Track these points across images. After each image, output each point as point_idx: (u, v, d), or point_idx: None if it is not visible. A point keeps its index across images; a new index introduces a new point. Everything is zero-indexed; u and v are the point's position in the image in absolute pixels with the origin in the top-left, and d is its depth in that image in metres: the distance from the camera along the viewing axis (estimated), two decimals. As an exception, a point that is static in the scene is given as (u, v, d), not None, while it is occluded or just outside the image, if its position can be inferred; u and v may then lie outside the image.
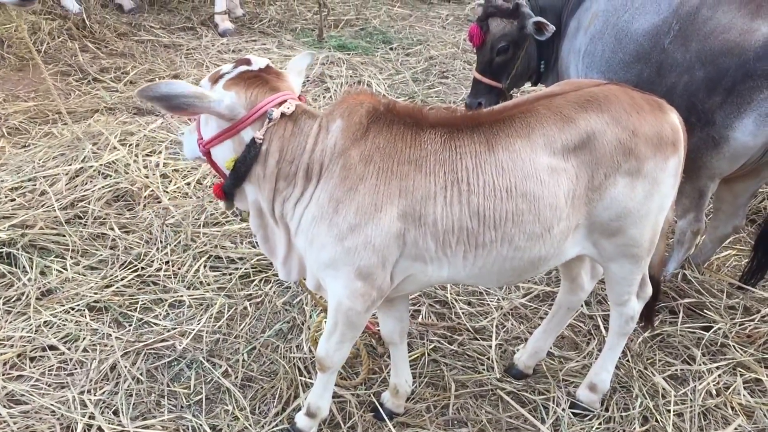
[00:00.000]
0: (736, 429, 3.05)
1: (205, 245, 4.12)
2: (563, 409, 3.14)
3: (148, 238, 4.15)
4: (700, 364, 3.41)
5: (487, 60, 4.46)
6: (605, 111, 2.60)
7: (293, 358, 3.39)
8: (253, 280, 3.92)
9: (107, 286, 3.78)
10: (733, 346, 3.49)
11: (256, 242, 3.73)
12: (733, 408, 3.17)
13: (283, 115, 2.54)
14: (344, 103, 2.59)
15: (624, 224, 2.72)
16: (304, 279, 2.84)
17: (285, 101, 2.54)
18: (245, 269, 3.97)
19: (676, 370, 3.40)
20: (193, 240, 4.16)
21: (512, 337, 3.62)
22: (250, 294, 3.82)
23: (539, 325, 3.66)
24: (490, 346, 3.52)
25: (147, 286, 3.84)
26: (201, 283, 3.86)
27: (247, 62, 2.58)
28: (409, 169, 2.50)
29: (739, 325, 3.61)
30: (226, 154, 2.59)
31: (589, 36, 4.01)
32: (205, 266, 4.00)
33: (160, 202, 4.45)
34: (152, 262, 3.97)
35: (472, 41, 4.51)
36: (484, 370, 3.40)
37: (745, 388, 3.27)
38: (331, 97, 6.34)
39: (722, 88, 3.29)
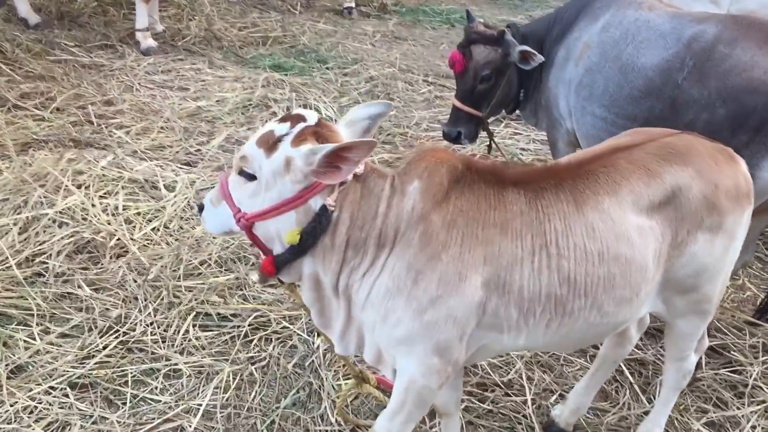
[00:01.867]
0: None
1: (190, 301, 3.69)
2: (619, 471, 2.98)
3: (125, 296, 3.67)
4: (733, 409, 3.35)
5: (469, 88, 4.27)
6: (689, 164, 2.46)
7: (318, 431, 3.05)
8: (252, 340, 3.54)
9: (88, 358, 3.29)
10: (762, 387, 3.45)
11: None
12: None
13: (354, 176, 2.24)
14: (421, 161, 2.31)
15: (699, 281, 2.59)
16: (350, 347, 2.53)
17: None
18: (241, 327, 3.58)
19: (711, 416, 3.32)
20: (176, 296, 3.72)
21: (542, 390, 3.43)
22: (253, 357, 3.43)
23: (563, 373, 3.51)
24: (524, 402, 3.31)
25: (133, 354, 3.37)
26: (195, 347, 3.44)
27: (302, 118, 2.24)
28: (495, 234, 2.26)
29: (763, 364, 3.58)
30: (285, 227, 2.24)
31: (583, 68, 3.90)
32: (194, 326, 3.57)
33: (128, 253, 3.96)
34: (135, 325, 3.50)
35: (454, 68, 4.31)
36: (523, 429, 3.19)
37: (785, 432, 3.23)
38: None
39: (749, 127, 3.24)
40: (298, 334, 3.58)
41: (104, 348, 3.35)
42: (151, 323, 3.53)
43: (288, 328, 3.61)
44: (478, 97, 4.28)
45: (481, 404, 3.30)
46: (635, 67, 3.63)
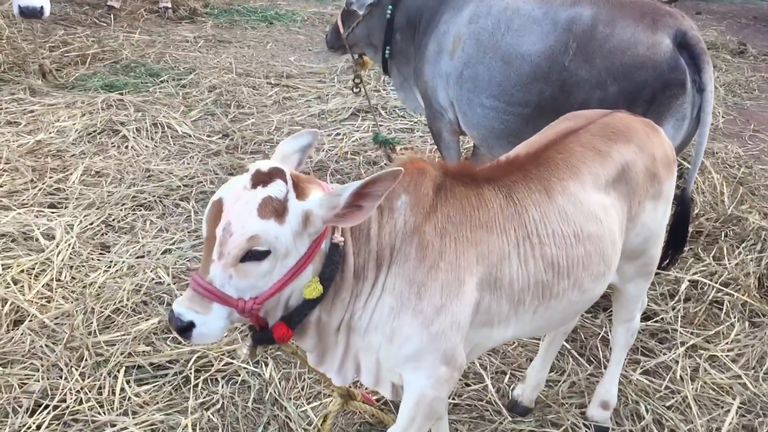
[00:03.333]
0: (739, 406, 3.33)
1: (116, 357, 3.39)
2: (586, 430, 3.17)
3: (42, 365, 3.29)
4: (660, 355, 3.66)
5: (346, 4, 4.64)
6: (631, 140, 2.64)
7: (301, 462, 2.96)
8: (197, 384, 3.32)
9: (22, 443, 2.93)
10: (678, 330, 3.81)
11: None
12: (713, 387, 3.46)
13: None
14: (405, 175, 2.27)
15: (647, 246, 2.81)
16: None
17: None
18: (182, 374, 3.35)
19: (645, 365, 3.60)
20: (99, 354, 3.40)
21: (496, 373, 3.54)
22: (205, 402, 3.23)
23: (507, 353, 3.66)
24: (485, 388, 3.41)
25: (73, 426, 3.04)
26: (139, 405, 3.17)
27: (280, 170, 2.04)
28: (482, 233, 2.31)
29: (673, 309, 3.94)
30: (302, 283, 2.11)
31: (461, 61, 4.03)
32: (129, 383, 3.29)
33: (26, 316, 3.56)
34: (64, 395, 3.16)
35: None
36: (491, 416, 3.28)
37: (711, 366, 3.59)
38: (130, 146, 5.60)
39: (642, 100, 3.52)
40: (245, 368, 3.41)
41: (38, 428, 2.99)
42: (81, 389, 3.20)
43: (232, 363, 3.43)
44: (345, 16, 4.67)
45: (445, 399, 3.35)
46: (518, 54, 3.79)
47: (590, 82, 3.60)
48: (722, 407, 3.36)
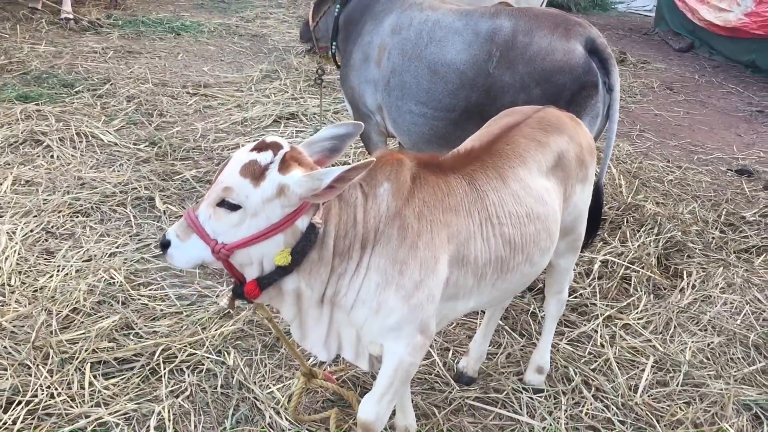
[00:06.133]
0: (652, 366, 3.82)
1: (80, 354, 3.48)
2: (530, 397, 3.55)
3: (9, 364, 3.35)
4: (581, 326, 4.12)
5: None
6: (563, 132, 3.05)
7: (274, 439, 3.17)
8: (164, 375, 3.46)
9: (0, 438, 2.99)
10: (595, 304, 4.28)
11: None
12: (629, 351, 3.94)
13: None
14: (385, 165, 2.57)
15: (576, 223, 3.24)
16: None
17: None
18: (147, 365, 3.49)
19: (569, 335, 4.05)
20: (63, 351, 3.48)
21: (440, 349, 3.87)
22: (174, 391, 3.39)
23: (447, 332, 4.00)
24: (432, 363, 3.73)
25: (47, 420, 3.13)
26: (110, 396, 3.30)
27: (279, 145, 2.38)
28: (452, 216, 2.64)
29: (590, 285, 4.42)
30: (272, 250, 2.40)
31: (387, 69, 4.33)
32: (96, 377, 3.39)
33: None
34: (36, 391, 3.23)
35: None
36: (441, 386, 3.61)
37: (626, 333, 4.07)
38: (56, 156, 5.60)
39: (563, 101, 3.94)
40: (207, 356, 3.59)
41: (14, 423, 3.06)
42: (50, 385, 3.29)
43: (195, 354, 3.60)
44: (315, 7, 4.95)
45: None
46: (443, 63, 4.13)
47: (514, 86, 4.01)
48: (638, 367, 3.83)
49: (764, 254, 5.17)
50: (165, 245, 2.41)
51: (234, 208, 2.31)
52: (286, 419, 3.24)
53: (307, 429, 3.21)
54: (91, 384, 3.34)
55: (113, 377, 3.43)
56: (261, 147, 2.36)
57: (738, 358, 3.98)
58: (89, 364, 3.45)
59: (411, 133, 4.38)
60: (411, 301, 2.54)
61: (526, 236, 2.80)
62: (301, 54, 8.85)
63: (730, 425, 3.43)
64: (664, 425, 3.43)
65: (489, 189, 2.75)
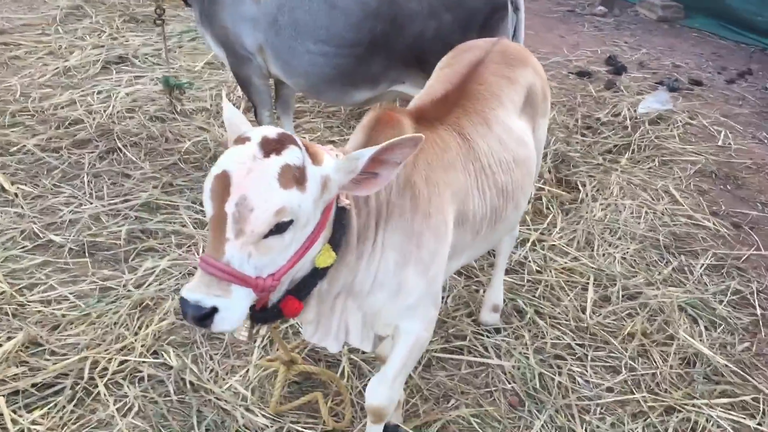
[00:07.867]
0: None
1: (7, 383, 2.87)
2: (494, 339, 3.48)
3: None
4: (512, 255, 4.10)
5: None
6: (528, 64, 2.88)
7: (253, 439, 2.83)
8: (98, 394, 2.94)
9: None
10: (520, 230, 4.27)
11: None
12: (562, 272, 3.99)
13: None
14: (385, 127, 2.20)
15: (538, 158, 3.10)
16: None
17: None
18: (75, 387, 2.94)
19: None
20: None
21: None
22: (120, 409, 2.89)
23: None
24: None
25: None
26: (57, 425, 2.74)
27: (290, 136, 1.88)
28: (453, 174, 2.42)
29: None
30: (315, 252, 2.01)
31: (271, 5, 3.87)
32: (18, 412, 2.80)
33: None
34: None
35: None
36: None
37: (556, 255, 4.12)
38: None
39: (476, 26, 3.75)
40: (143, 361, 3.10)
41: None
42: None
43: (127, 360, 3.10)
44: None
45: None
46: None
47: (422, 13, 3.73)
48: (576, 285, 3.89)
49: (626, 152, 5.45)
50: (209, 315, 1.79)
51: (284, 227, 1.82)
52: (262, 415, 2.90)
53: (289, 420, 2.90)
54: (14, 422, 2.76)
55: (37, 408, 2.85)
56: (275, 147, 1.82)
57: (655, 260, 4.17)
58: (2, 397, 2.84)
59: (309, 75, 3.98)
60: (429, 273, 2.30)
61: (515, 182, 2.64)
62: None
63: (681, 330, 3.59)
64: (620, 342, 3.52)
65: (477, 137, 2.52)
